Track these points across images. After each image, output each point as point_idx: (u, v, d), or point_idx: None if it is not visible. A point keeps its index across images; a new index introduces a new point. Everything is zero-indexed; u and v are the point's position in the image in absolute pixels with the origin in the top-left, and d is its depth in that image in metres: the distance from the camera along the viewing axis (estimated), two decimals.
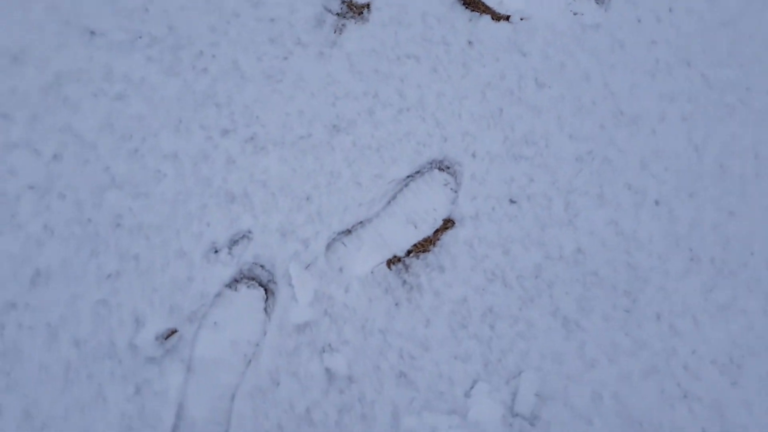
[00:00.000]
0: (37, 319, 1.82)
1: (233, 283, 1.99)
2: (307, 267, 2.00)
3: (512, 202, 2.25)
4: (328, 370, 1.89)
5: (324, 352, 1.92)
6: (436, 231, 2.20)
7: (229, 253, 2.01)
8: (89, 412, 1.74)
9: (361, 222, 2.15)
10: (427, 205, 2.23)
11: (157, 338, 1.83)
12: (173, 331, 1.85)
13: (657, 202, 2.33)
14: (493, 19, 2.45)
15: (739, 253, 2.28)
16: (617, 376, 2.01)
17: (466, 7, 2.42)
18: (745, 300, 2.19)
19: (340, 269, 2.05)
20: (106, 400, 1.77)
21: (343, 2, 2.32)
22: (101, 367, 1.80)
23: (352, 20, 2.31)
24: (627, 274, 2.18)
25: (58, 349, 1.80)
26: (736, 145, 2.48)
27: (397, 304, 2.02)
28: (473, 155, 2.28)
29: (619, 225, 2.27)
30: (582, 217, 2.25)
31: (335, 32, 2.30)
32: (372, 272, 2.06)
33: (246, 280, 2.01)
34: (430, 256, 2.13)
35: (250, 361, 1.90)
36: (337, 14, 2.30)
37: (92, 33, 2.06)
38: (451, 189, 2.27)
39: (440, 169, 2.29)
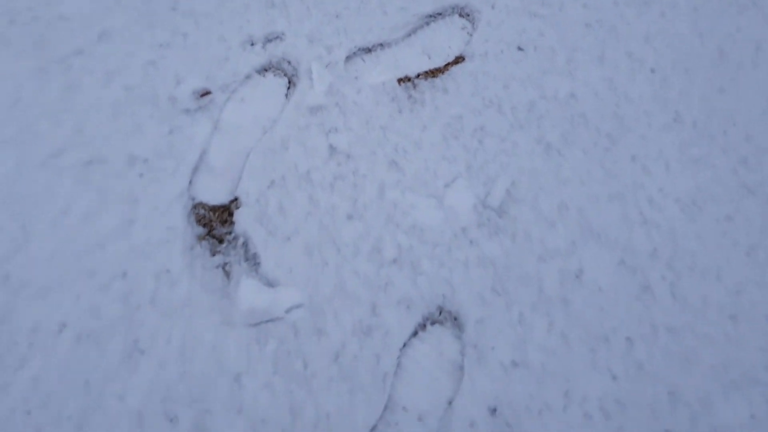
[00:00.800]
0: (97, 66, 2.22)
1: (262, 70, 2.36)
2: (327, 66, 2.34)
3: (520, 49, 2.54)
4: (331, 146, 2.23)
5: (330, 132, 2.25)
6: (447, 64, 2.51)
7: (263, 48, 2.37)
8: (129, 138, 2.12)
9: (381, 44, 2.48)
10: (443, 42, 2.55)
11: (193, 93, 2.20)
12: (208, 92, 2.22)
13: (653, 70, 2.58)
14: None
15: (721, 122, 2.52)
16: (585, 196, 2.28)
17: None
18: (718, 159, 2.43)
19: (356, 77, 2.39)
20: (144, 134, 2.14)
21: None
22: (143, 109, 2.18)
23: None
24: (612, 121, 2.45)
25: (111, 89, 2.19)
26: (740, 37, 2.71)
27: (400, 111, 2.35)
28: (492, 6, 2.59)
29: (613, 82, 2.53)
30: (581, 71, 2.53)
31: None
32: (383, 84, 2.38)
33: (273, 70, 2.37)
34: (436, 81, 2.44)
35: (266, 132, 2.25)
36: None
37: None
38: (468, 33, 2.58)
39: (460, 15, 2.60)
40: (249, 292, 1.90)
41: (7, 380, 1.70)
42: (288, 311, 1.90)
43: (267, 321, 1.89)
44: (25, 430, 1.66)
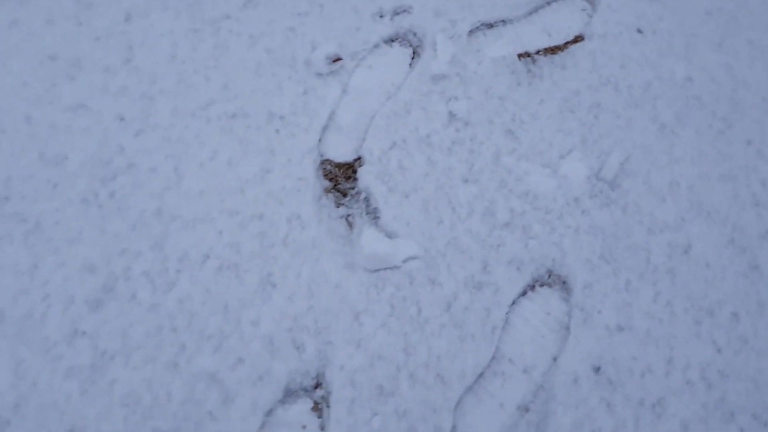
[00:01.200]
0: (243, 29, 2.44)
1: (389, 40, 2.52)
2: (451, 38, 2.49)
3: (639, 31, 2.61)
4: (450, 113, 2.37)
5: (450, 100, 2.40)
6: (566, 42, 2.61)
7: (391, 20, 2.54)
8: (269, 96, 2.33)
9: (503, 20, 2.60)
10: (563, 23, 2.65)
11: (326, 58, 2.39)
12: (339, 58, 2.41)
13: None
14: None
15: None
16: (697, 174, 2.34)
17: None
18: None
19: (477, 50, 2.53)
20: (282, 93, 2.35)
21: None
22: (282, 71, 2.39)
23: None
24: (728, 106, 2.49)
25: (254, 51, 2.41)
26: None
27: (518, 84, 2.47)
28: None
29: (731, 68, 2.57)
30: (698, 56, 2.57)
31: None
32: (503, 57, 2.51)
33: (400, 40, 2.53)
34: (555, 58, 2.55)
35: (390, 97, 2.42)
36: None
37: None
38: (588, 15, 2.67)
39: None
40: (370, 241, 2.07)
41: (158, 301, 1.94)
42: (405, 261, 2.05)
43: (385, 269, 2.04)
44: (171, 345, 1.88)
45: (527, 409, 1.88)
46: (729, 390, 1.93)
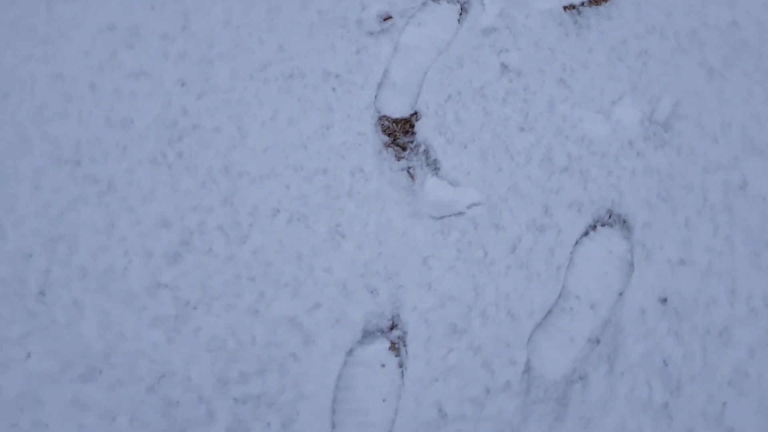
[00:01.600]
0: None
1: None
2: None
3: None
4: (502, 64, 2.42)
5: (501, 52, 2.45)
6: None
7: None
8: (323, 56, 2.39)
9: None
10: None
11: (377, 17, 2.44)
12: (390, 17, 2.46)
13: None
14: None
15: None
16: (748, 115, 2.37)
17: None
18: None
19: (524, 4, 2.57)
20: (336, 52, 2.40)
21: None
22: (335, 31, 2.44)
23: None
24: None
25: (306, 13, 2.46)
26: None
27: (566, 35, 2.51)
28: None
29: None
30: (742, 1, 2.60)
31: None
32: (550, 10, 2.55)
33: None
34: (600, 8, 2.59)
35: (441, 53, 2.47)
36: None
37: None
38: None
39: None
40: (433, 188, 2.13)
41: (233, 252, 2.01)
42: (468, 207, 2.11)
43: (449, 215, 2.10)
44: (250, 293, 1.95)
45: (598, 342, 1.93)
46: None
